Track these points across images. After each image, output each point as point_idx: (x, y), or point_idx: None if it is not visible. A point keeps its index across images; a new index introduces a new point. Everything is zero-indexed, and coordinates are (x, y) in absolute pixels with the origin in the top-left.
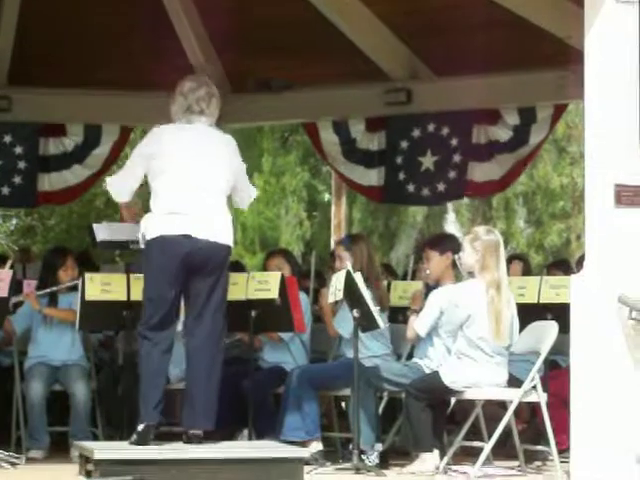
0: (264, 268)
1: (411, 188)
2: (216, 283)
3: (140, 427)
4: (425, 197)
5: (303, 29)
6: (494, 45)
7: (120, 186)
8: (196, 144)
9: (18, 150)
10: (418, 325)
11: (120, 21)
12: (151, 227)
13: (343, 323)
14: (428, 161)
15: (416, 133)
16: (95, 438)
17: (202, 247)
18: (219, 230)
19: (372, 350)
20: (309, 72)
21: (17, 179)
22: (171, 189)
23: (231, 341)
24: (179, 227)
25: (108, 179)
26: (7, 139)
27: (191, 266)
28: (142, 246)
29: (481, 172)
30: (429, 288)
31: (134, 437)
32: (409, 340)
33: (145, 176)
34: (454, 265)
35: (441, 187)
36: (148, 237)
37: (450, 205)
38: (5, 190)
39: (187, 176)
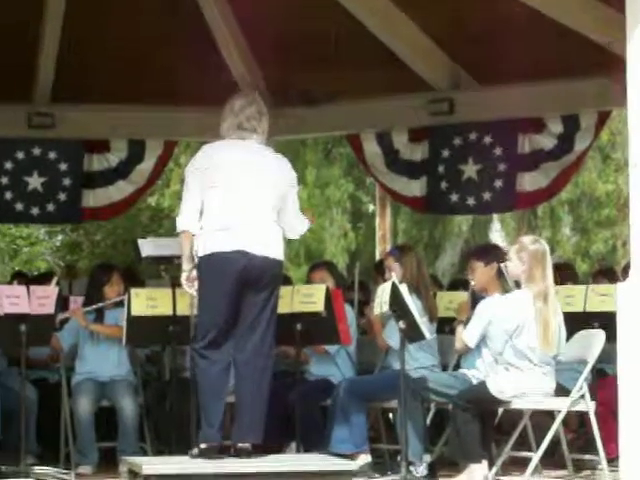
0: (308, 281)
1: (454, 197)
2: (269, 298)
3: (204, 446)
4: (471, 206)
5: (344, 41)
6: (536, 53)
7: (192, 219)
8: (247, 159)
9: (63, 167)
10: (467, 336)
11: (161, 36)
12: (203, 244)
13: (392, 334)
14: (470, 170)
15: (457, 141)
16: (144, 453)
17: (257, 262)
18: (272, 245)
19: (419, 361)
20: (351, 84)
21: (62, 195)
22: (222, 204)
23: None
24: (233, 243)
25: (179, 220)
26: (52, 156)
27: (246, 282)
28: (196, 261)
29: (529, 181)
30: (475, 298)
31: (195, 451)
32: (458, 351)
33: None
34: (499, 274)
35: (487, 196)
36: (201, 254)
37: (495, 215)
38: (50, 207)
39: (238, 191)
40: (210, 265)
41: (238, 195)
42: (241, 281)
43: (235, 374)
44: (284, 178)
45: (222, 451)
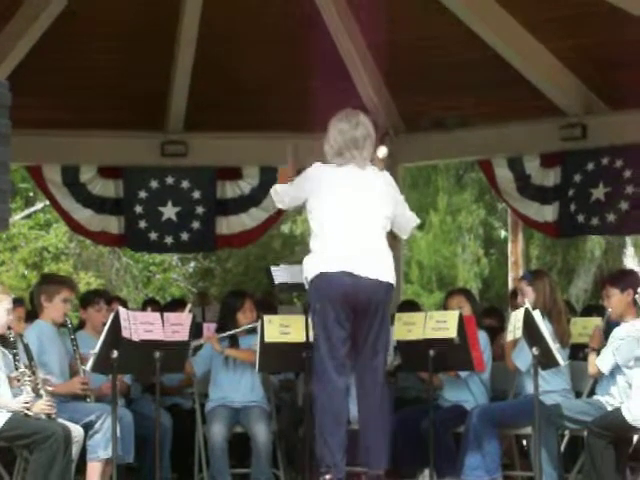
0: (445, 307)
1: (581, 218)
2: (382, 324)
3: (328, 476)
4: (595, 226)
5: (477, 67)
6: None
7: (282, 196)
8: (352, 182)
9: (196, 195)
10: (600, 362)
11: (293, 64)
12: (312, 267)
13: (521, 356)
14: (599, 192)
15: (590, 167)
16: None
17: (365, 285)
18: (380, 268)
19: (551, 384)
20: (483, 109)
21: (196, 224)
22: (329, 228)
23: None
24: (339, 264)
25: (276, 186)
26: (185, 184)
27: (355, 305)
28: (307, 287)
29: None
30: (609, 325)
31: None
32: (591, 376)
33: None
34: (636, 301)
35: (611, 217)
36: (309, 277)
37: (629, 239)
38: (184, 235)
39: (345, 214)
40: (317, 286)
41: (344, 219)
42: (349, 303)
43: (357, 404)
44: (391, 197)
45: (353, 477)
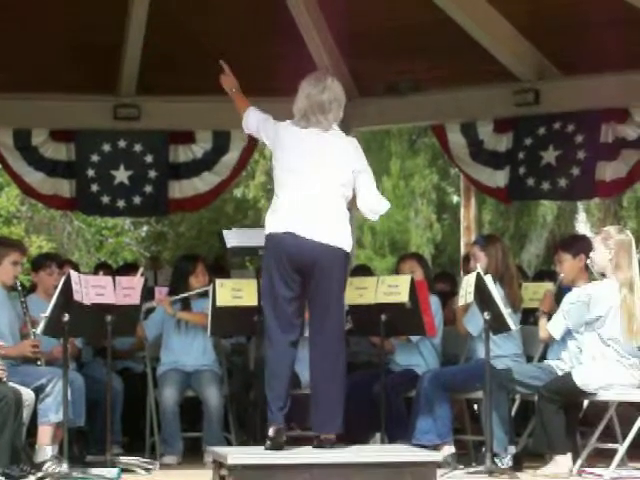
0: (397, 271)
1: (531, 182)
2: (331, 286)
3: (270, 432)
4: (545, 191)
5: (430, 31)
6: (623, 43)
7: (251, 120)
8: (314, 144)
9: (148, 159)
10: (551, 327)
11: (246, 28)
12: (266, 226)
13: (472, 321)
14: (550, 155)
15: (541, 131)
16: (228, 443)
17: (310, 247)
18: (329, 231)
19: (502, 349)
20: (436, 74)
21: (148, 188)
22: (285, 188)
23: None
24: (283, 224)
25: (251, 108)
26: (137, 148)
27: (300, 267)
28: None
29: (609, 171)
30: (562, 290)
31: (268, 443)
32: (542, 340)
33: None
34: (587, 267)
35: (562, 183)
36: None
37: (580, 205)
38: (137, 199)
39: (302, 175)
40: (266, 245)
41: (301, 179)
42: (295, 265)
43: (309, 367)
44: (350, 162)
45: (305, 442)
